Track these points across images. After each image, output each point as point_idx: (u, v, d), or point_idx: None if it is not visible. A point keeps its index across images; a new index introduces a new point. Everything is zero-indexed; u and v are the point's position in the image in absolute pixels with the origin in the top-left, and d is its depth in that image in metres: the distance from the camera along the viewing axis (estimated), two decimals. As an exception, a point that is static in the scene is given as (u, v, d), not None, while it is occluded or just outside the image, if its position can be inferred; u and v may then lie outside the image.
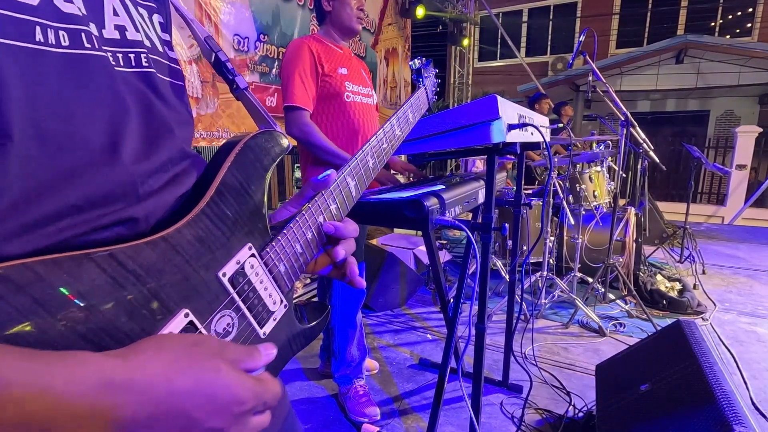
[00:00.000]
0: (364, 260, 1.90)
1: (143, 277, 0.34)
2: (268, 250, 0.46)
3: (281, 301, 0.48)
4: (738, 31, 9.36)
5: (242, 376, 0.33)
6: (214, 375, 0.31)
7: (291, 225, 0.49)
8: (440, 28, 6.69)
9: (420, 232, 3.83)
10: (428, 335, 2.67)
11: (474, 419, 1.37)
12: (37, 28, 0.31)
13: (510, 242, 2.04)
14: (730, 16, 9.45)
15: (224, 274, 0.40)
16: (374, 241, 3.78)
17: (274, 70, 3.17)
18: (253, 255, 0.44)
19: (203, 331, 0.38)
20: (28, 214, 0.30)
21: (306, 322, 0.53)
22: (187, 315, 0.37)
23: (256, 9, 2.98)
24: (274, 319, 0.47)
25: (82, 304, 0.30)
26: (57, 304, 0.28)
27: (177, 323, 0.36)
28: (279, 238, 0.47)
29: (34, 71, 0.31)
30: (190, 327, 0.37)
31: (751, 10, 9.07)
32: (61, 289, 0.29)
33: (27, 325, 0.27)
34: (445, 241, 4.74)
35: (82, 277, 0.30)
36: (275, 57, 3.17)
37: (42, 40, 0.32)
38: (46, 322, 0.28)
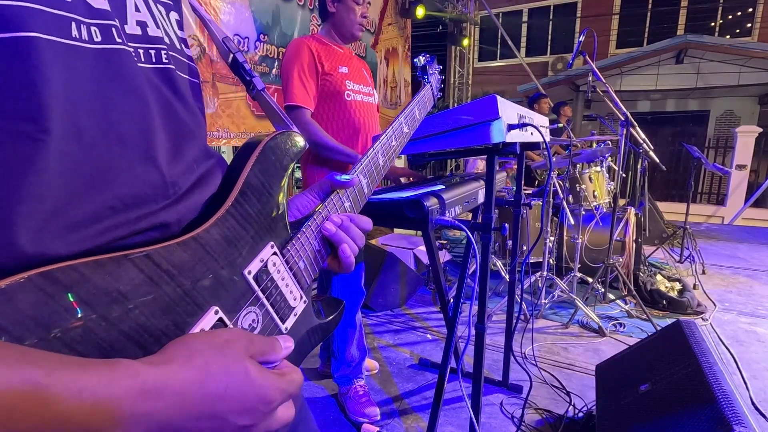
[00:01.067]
0: (364, 260, 1.90)
1: (177, 276, 0.35)
2: (288, 248, 0.47)
3: (301, 297, 0.49)
4: (738, 31, 9.36)
5: (268, 376, 0.35)
6: (243, 378, 0.33)
7: (309, 223, 0.50)
8: (440, 28, 6.70)
9: (420, 232, 3.83)
10: (428, 335, 2.67)
11: (474, 419, 1.37)
12: (73, 24, 0.32)
13: (510, 242, 2.04)
14: (730, 16, 9.45)
15: (249, 272, 0.42)
16: (374, 241, 3.78)
17: (274, 70, 3.17)
18: (275, 253, 0.45)
19: (231, 327, 0.39)
20: (69, 215, 0.31)
21: (323, 317, 0.55)
22: (216, 312, 0.38)
23: (256, 9, 2.99)
24: (295, 315, 0.48)
25: (123, 303, 0.31)
26: (101, 302, 0.30)
27: (208, 320, 0.37)
28: (298, 236, 0.49)
29: (72, 67, 0.31)
30: (220, 324, 0.38)
31: (751, 10, 9.07)
32: (105, 289, 0.31)
33: (75, 322, 0.29)
34: (445, 241, 4.74)
35: (122, 277, 0.32)
36: (275, 57, 3.17)
37: (77, 36, 0.32)
38: (91, 320, 0.29)
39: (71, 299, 0.29)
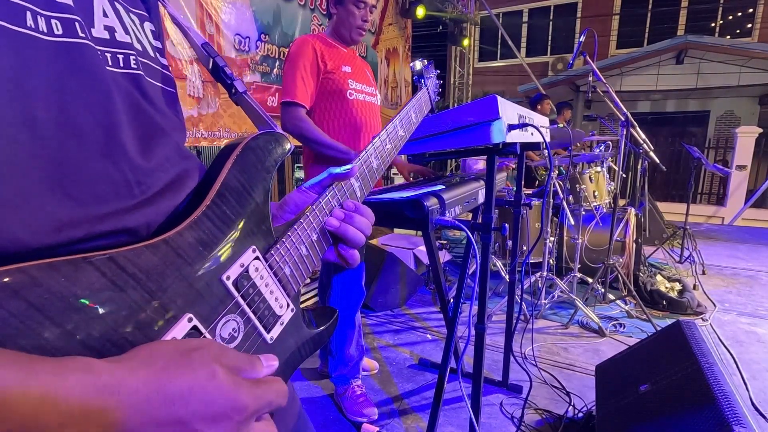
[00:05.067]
0: (364, 260, 1.90)
1: (144, 282, 0.33)
2: (272, 252, 0.45)
3: (288, 305, 0.47)
4: (738, 31, 9.36)
5: (239, 381, 0.32)
6: (209, 380, 0.30)
7: (295, 227, 0.48)
8: (440, 28, 6.70)
9: (420, 232, 3.83)
10: (428, 335, 2.67)
11: (474, 419, 1.37)
12: (28, 14, 0.31)
13: (510, 242, 2.04)
14: (731, 17, 9.44)
15: (228, 278, 0.39)
16: (374, 241, 3.78)
17: (275, 70, 3.17)
18: (257, 258, 0.43)
19: (207, 336, 0.37)
20: (23, 206, 0.29)
21: (314, 327, 0.52)
22: (190, 320, 0.36)
23: (257, 9, 2.98)
24: (281, 324, 0.46)
25: (80, 309, 0.29)
26: (54, 309, 0.27)
27: (180, 329, 0.35)
28: (283, 240, 0.46)
29: (25, 55, 0.30)
30: (194, 332, 0.36)
31: (751, 10, 9.07)
32: (59, 293, 0.28)
33: (23, 330, 0.26)
34: (445, 241, 4.74)
35: (80, 281, 0.29)
36: (276, 57, 3.17)
37: (33, 26, 0.31)
38: (43, 328, 0.27)
39: (19, 304, 0.26)
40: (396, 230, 4.39)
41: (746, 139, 7.51)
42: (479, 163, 3.21)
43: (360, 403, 1.83)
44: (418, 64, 0.92)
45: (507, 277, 3.00)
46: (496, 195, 1.38)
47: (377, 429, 1.74)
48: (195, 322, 0.36)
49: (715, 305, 3.11)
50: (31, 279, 0.27)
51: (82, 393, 0.25)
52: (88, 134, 0.34)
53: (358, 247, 0.53)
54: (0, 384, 0.23)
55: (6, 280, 0.26)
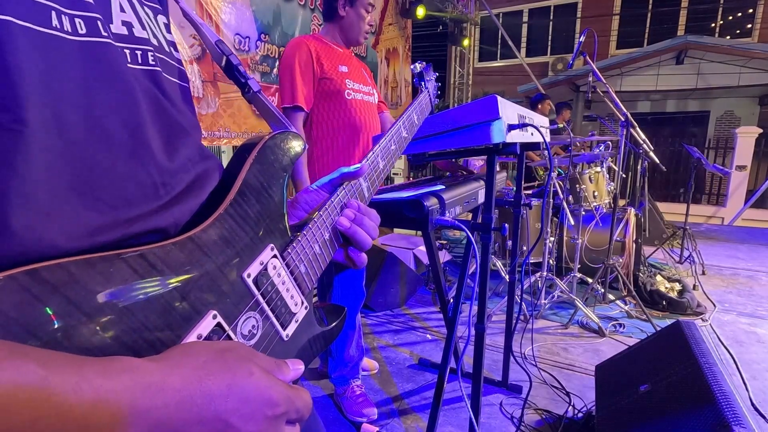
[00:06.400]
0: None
1: (173, 278, 0.33)
2: (289, 251, 0.46)
3: (302, 303, 0.47)
4: (738, 32, 9.36)
5: (274, 379, 0.33)
6: (246, 378, 0.31)
7: (310, 226, 0.49)
8: (441, 28, 6.72)
9: (420, 232, 3.83)
10: (428, 335, 2.67)
11: (473, 419, 1.37)
12: (53, 14, 0.30)
13: (510, 242, 2.04)
14: (731, 17, 9.45)
15: (249, 275, 0.40)
16: (374, 241, 3.77)
17: (275, 70, 3.17)
18: (275, 256, 0.43)
19: (230, 333, 0.38)
20: (56, 213, 0.29)
21: (325, 324, 0.53)
22: (215, 317, 0.36)
23: (257, 9, 2.99)
24: (296, 321, 0.47)
25: (114, 305, 0.30)
26: (91, 304, 0.28)
27: (206, 325, 0.35)
28: (299, 239, 0.47)
29: (52, 57, 0.30)
30: (218, 329, 0.37)
31: (751, 11, 9.07)
32: (95, 290, 0.29)
33: (62, 325, 0.27)
34: (445, 241, 4.74)
35: (114, 278, 0.30)
36: (276, 57, 3.17)
37: (58, 26, 0.31)
38: (80, 323, 0.28)
39: (59, 300, 0.27)
40: (396, 230, 4.39)
41: (746, 139, 7.50)
42: (479, 162, 3.21)
43: (359, 403, 1.83)
44: (418, 66, 0.94)
45: (507, 277, 3.00)
46: (496, 195, 1.38)
47: (377, 429, 1.74)
48: (219, 319, 0.37)
49: (714, 305, 3.11)
50: (70, 275, 0.28)
51: (132, 394, 0.26)
52: (116, 137, 0.34)
53: (365, 250, 0.54)
54: (53, 387, 0.23)
55: (46, 276, 0.26)
